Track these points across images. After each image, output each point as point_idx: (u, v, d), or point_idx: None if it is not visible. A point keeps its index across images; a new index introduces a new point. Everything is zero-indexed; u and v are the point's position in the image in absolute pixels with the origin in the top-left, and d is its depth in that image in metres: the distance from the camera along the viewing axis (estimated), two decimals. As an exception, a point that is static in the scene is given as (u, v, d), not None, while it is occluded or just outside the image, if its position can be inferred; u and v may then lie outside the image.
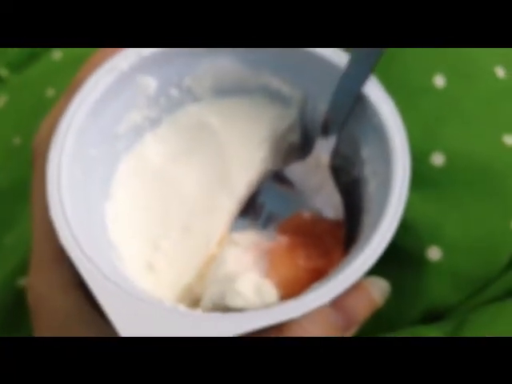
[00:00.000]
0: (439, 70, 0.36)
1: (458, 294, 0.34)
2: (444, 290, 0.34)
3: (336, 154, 0.33)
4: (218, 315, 0.28)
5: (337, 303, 0.30)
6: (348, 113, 0.31)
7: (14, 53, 0.47)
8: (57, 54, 0.45)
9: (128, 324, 0.26)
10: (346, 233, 0.32)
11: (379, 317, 0.33)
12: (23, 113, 0.43)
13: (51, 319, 0.29)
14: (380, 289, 0.31)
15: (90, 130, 0.31)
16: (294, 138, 0.35)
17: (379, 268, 0.33)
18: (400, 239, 0.34)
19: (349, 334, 0.31)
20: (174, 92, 0.34)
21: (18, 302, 0.37)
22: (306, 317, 0.29)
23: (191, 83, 0.34)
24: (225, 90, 0.34)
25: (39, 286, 0.30)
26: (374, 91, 0.31)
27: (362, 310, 0.31)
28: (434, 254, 0.34)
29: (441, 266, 0.34)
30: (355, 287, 0.29)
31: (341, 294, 0.27)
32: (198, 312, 0.28)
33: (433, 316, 0.35)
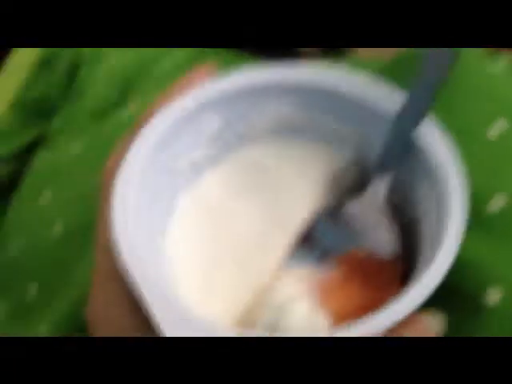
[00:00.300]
0: (499, 116, 0.37)
1: None
2: (501, 335, 0.33)
3: (393, 191, 0.33)
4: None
5: (391, 336, 0.29)
6: (402, 154, 0.32)
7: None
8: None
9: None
10: (402, 271, 0.32)
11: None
12: (98, 157, 0.45)
13: (107, 333, 0.30)
14: (437, 324, 0.31)
15: (153, 165, 0.33)
16: (350, 176, 0.35)
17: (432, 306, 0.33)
18: (456, 281, 0.34)
19: None
20: (233, 133, 0.35)
21: (82, 329, 0.38)
22: None
23: (249, 126, 0.35)
24: (281, 131, 0.36)
25: (98, 305, 0.31)
26: (431, 132, 0.32)
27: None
28: (492, 297, 0.33)
29: (498, 310, 0.33)
30: (410, 321, 0.29)
31: (394, 324, 0.27)
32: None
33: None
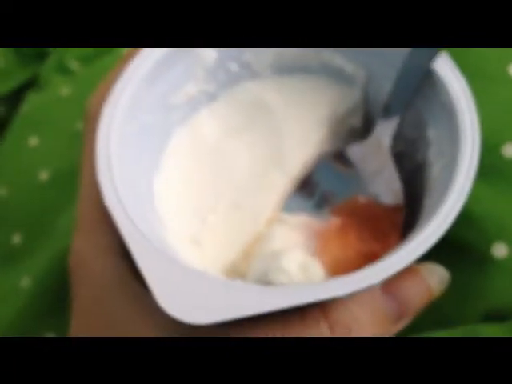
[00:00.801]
0: None
1: None
2: (507, 290, 0.32)
3: (399, 137, 0.31)
4: (260, 287, 0.26)
5: (388, 287, 0.27)
6: (414, 91, 0.30)
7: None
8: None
9: (167, 292, 0.25)
10: (405, 219, 0.30)
11: (437, 314, 0.31)
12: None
13: (91, 285, 0.28)
14: (438, 276, 0.29)
15: (145, 96, 0.30)
16: (356, 119, 0.33)
17: (439, 262, 0.31)
18: (464, 233, 0.32)
19: (401, 325, 0.28)
20: (233, 66, 0.33)
21: (65, 282, 0.37)
22: (353, 299, 0.27)
23: (251, 58, 0.33)
24: (285, 68, 0.33)
25: (81, 249, 0.29)
26: (445, 67, 0.29)
27: (415, 297, 0.28)
28: (499, 250, 0.32)
29: (505, 264, 0.32)
30: (410, 272, 0.27)
31: (393, 276, 0.25)
32: (241, 283, 0.27)
33: (495, 317, 0.32)
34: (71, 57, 0.47)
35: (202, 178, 0.32)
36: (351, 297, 0.27)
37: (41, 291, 0.39)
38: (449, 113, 0.29)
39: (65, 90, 0.46)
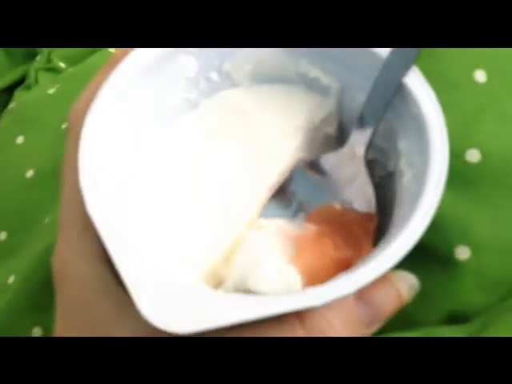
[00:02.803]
0: (480, 65, 0.36)
1: (484, 297, 0.33)
2: (470, 292, 0.33)
3: (371, 146, 0.32)
4: (238, 296, 0.27)
5: (362, 295, 0.29)
6: (387, 103, 0.31)
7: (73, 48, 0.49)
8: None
9: (148, 302, 0.26)
10: (377, 226, 0.31)
11: (402, 316, 0.32)
12: (73, 100, 0.44)
13: (74, 289, 0.29)
14: (408, 283, 0.30)
15: (129, 102, 0.31)
16: (331, 128, 0.34)
17: (405, 266, 0.32)
18: (428, 237, 0.33)
19: (373, 329, 0.30)
20: (214, 76, 0.34)
21: (50, 279, 0.37)
22: (329, 307, 0.28)
23: (231, 68, 0.34)
24: (263, 78, 0.34)
25: (65, 253, 0.30)
26: (415, 81, 0.30)
27: (388, 304, 0.29)
28: (462, 253, 0.33)
29: (468, 267, 0.33)
30: (382, 280, 0.28)
31: (367, 285, 0.26)
32: (219, 292, 0.28)
33: (459, 318, 0.33)
34: (58, 56, 0.48)
35: (181, 185, 0.33)
36: (326, 304, 0.28)
37: (26, 288, 0.40)
38: (419, 126, 0.30)
39: (52, 89, 0.46)
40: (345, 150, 0.32)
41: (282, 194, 0.33)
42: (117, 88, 0.31)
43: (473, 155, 0.34)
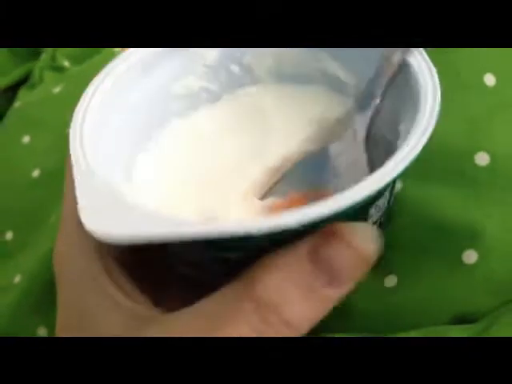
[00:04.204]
0: (490, 69, 0.36)
1: (490, 300, 0.33)
2: (476, 295, 0.33)
3: (373, 130, 0.32)
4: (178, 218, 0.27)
5: (314, 256, 0.25)
6: (386, 84, 0.31)
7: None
8: None
9: (90, 212, 0.26)
10: None
11: (406, 317, 0.32)
12: (77, 100, 0.44)
13: (70, 285, 0.29)
14: (364, 235, 0.25)
15: (142, 84, 0.32)
16: (343, 128, 0.33)
17: (413, 269, 0.32)
18: (436, 238, 0.33)
19: (337, 296, 0.26)
20: (235, 69, 0.34)
21: (54, 279, 0.38)
22: (278, 274, 0.25)
23: (252, 61, 0.34)
24: (284, 74, 0.35)
25: (62, 250, 0.30)
26: (419, 61, 0.30)
27: (346, 264, 0.25)
28: (469, 256, 0.33)
29: (475, 270, 0.33)
30: (333, 237, 0.25)
31: (333, 212, 0.23)
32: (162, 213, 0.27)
33: (466, 322, 0.33)
34: (63, 54, 0.48)
35: (181, 163, 0.33)
36: (276, 270, 0.25)
37: (32, 287, 0.40)
38: (416, 103, 0.29)
39: (57, 88, 0.46)
40: (347, 135, 0.32)
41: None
42: (127, 71, 0.31)
43: (482, 158, 0.34)
